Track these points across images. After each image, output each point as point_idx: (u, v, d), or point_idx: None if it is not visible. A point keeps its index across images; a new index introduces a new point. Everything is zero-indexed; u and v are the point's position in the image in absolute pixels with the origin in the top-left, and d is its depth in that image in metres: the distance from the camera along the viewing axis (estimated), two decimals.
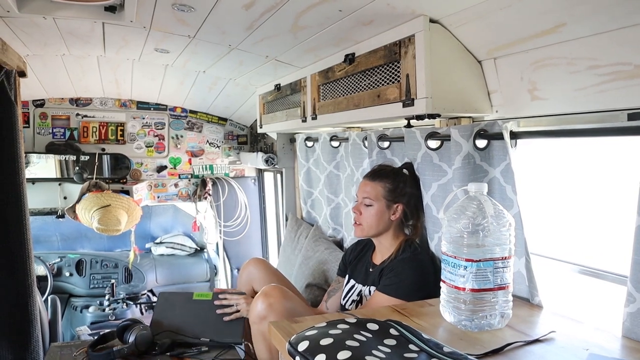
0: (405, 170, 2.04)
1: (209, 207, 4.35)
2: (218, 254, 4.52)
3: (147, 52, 2.70)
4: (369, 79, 1.87)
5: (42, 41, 2.46)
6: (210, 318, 2.18)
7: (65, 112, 3.93)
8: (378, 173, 2.05)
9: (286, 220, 3.56)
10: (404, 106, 1.64)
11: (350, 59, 1.97)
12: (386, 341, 1.14)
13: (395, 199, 1.99)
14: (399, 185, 1.99)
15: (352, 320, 1.23)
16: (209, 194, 4.27)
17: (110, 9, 1.97)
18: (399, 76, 1.68)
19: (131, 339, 1.93)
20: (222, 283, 4.53)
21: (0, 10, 1.91)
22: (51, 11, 1.98)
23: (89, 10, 2.01)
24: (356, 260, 2.21)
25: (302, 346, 1.13)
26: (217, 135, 4.38)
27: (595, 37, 1.23)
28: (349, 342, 1.09)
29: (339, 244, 2.88)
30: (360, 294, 2.07)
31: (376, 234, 2.03)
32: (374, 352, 1.06)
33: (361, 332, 1.16)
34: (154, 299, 4.26)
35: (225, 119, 4.38)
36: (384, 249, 2.04)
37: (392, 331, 1.19)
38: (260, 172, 4.49)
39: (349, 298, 2.12)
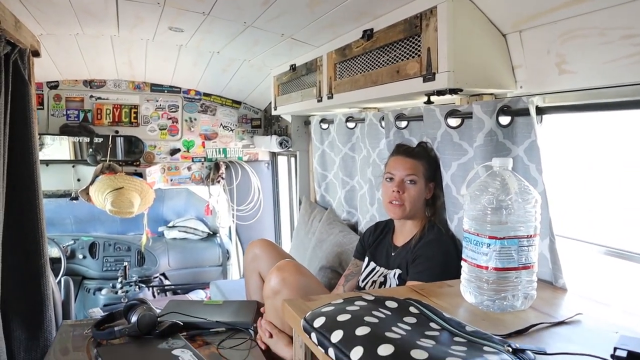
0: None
1: (222, 191, 4.33)
2: (231, 238, 4.50)
3: (161, 31, 2.66)
4: (388, 55, 1.81)
5: (55, 19, 2.43)
6: (221, 312, 2.16)
7: (79, 94, 3.92)
8: (413, 150, 1.97)
9: (300, 203, 3.52)
10: (424, 81, 1.59)
11: (368, 34, 1.91)
12: (406, 319, 1.09)
13: (430, 178, 1.94)
14: (433, 164, 1.94)
15: (370, 297, 1.19)
16: (222, 178, 4.24)
17: None
18: (419, 50, 1.62)
19: (134, 319, 1.90)
20: (234, 267, 4.52)
21: None
22: None
23: None
24: (375, 242, 2.15)
25: (318, 322, 1.10)
26: (230, 118, 4.34)
27: (629, 4, 1.17)
28: (367, 319, 1.05)
29: (354, 227, 2.84)
30: (385, 276, 1.99)
31: (412, 216, 1.95)
32: (394, 328, 1.02)
33: (380, 309, 1.12)
34: (166, 282, 4.27)
35: (239, 102, 4.34)
36: (406, 231, 1.99)
37: (412, 309, 1.14)
38: (273, 156, 4.45)
39: (369, 279, 2.06)
